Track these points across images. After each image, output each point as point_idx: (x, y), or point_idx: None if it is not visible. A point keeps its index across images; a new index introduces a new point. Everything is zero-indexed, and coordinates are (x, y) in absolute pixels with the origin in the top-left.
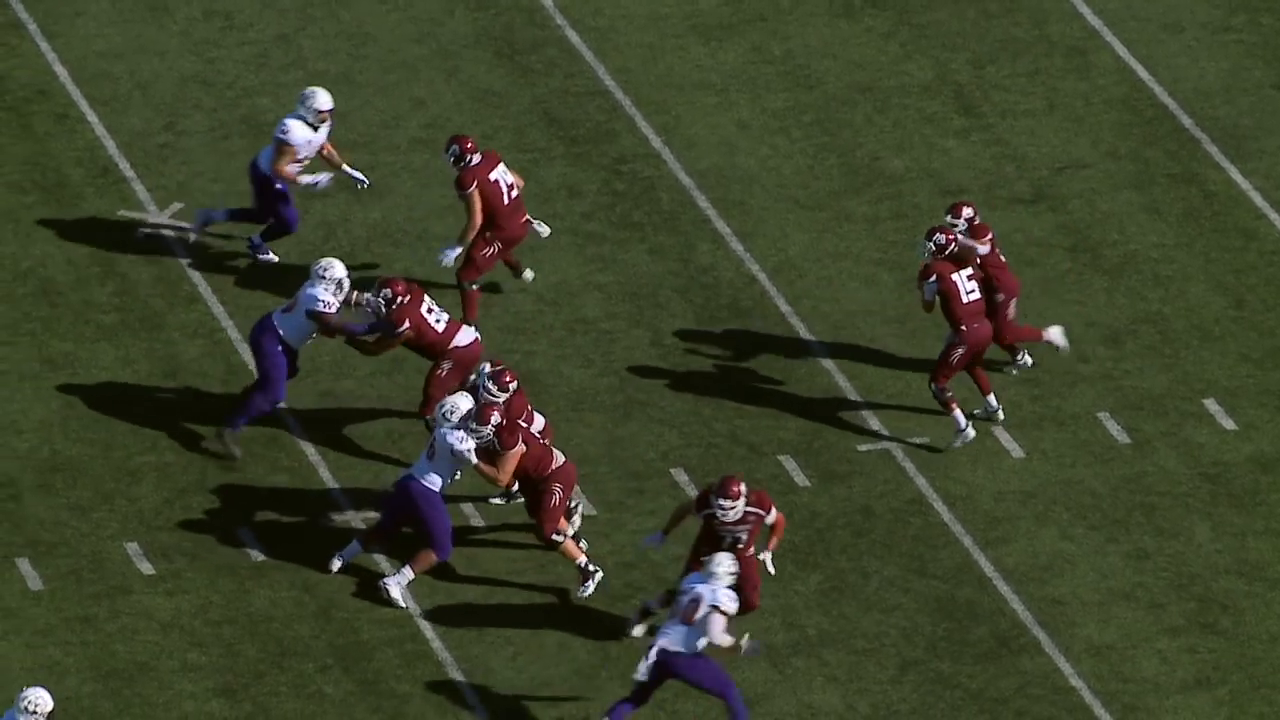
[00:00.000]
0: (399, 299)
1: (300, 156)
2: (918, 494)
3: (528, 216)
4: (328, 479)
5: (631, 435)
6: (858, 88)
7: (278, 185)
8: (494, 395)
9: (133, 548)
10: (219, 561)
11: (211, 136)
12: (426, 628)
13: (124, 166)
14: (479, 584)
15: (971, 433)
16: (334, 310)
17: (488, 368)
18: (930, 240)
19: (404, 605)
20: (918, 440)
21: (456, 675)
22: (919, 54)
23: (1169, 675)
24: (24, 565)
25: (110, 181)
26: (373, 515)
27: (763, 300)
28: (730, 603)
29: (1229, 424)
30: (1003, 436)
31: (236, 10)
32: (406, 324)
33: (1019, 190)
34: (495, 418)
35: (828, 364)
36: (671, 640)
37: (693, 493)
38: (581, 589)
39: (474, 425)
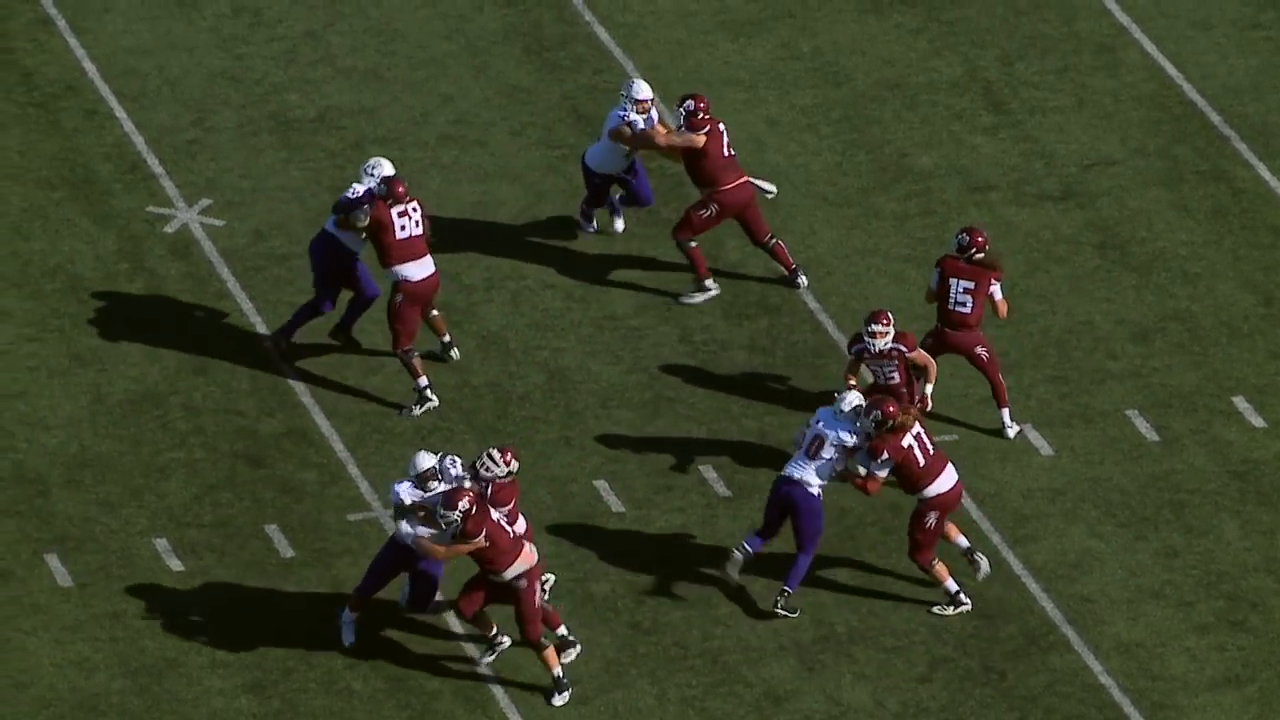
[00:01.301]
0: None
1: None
2: None
3: (747, 178)
4: (356, 475)
5: (660, 432)
6: (886, 84)
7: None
8: (493, 467)
9: (161, 544)
10: (247, 558)
11: (240, 133)
12: (455, 624)
13: (152, 162)
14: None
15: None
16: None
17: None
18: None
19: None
20: (947, 438)
21: (485, 672)
22: (948, 50)
23: (1198, 673)
24: (53, 561)
25: (139, 178)
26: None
27: (791, 297)
28: (851, 437)
29: (1258, 421)
30: (1031, 434)
31: (265, 6)
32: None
33: (1048, 187)
34: (464, 504)
35: None
36: (797, 469)
37: (721, 491)
38: (553, 697)
39: (442, 510)
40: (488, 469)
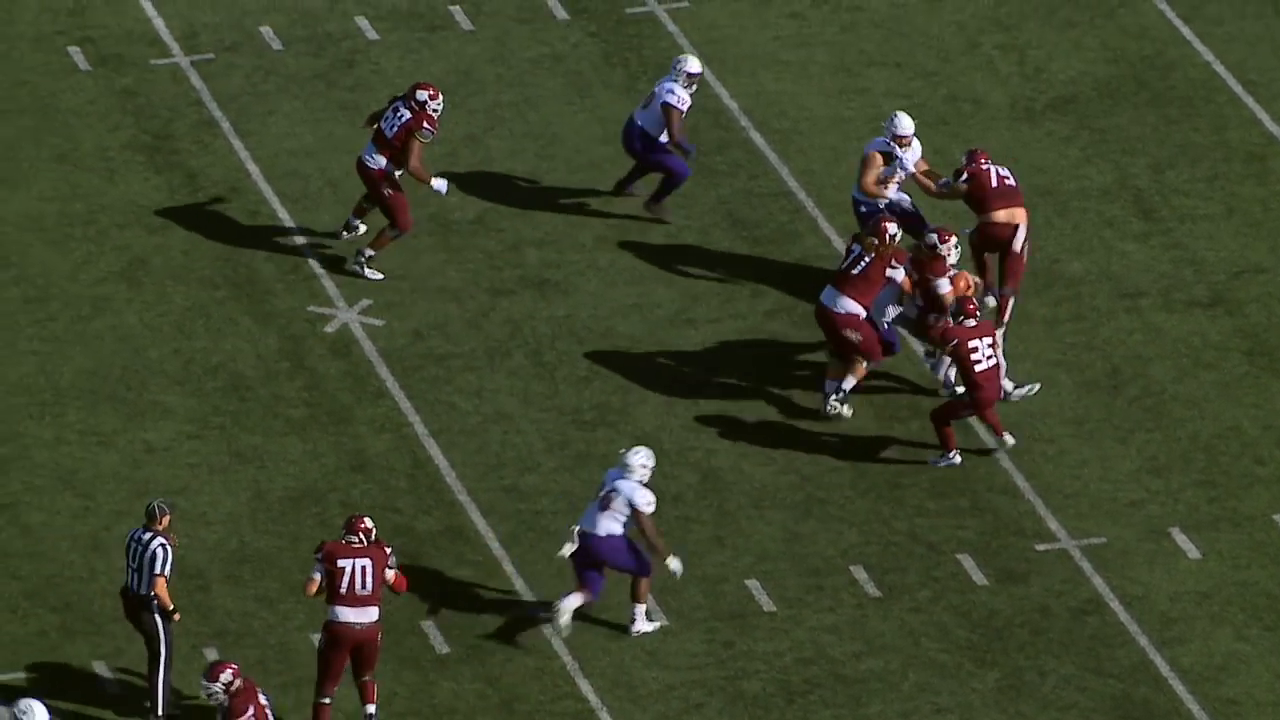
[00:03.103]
0: None
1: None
2: (1095, 594)
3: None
4: (512, 573)
5: (811, 533)
6: (1038, 191)
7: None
8: (350, 538)
9: (319, 639)
10: (403, 653)
11: (401, 236)
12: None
13: (314, 263)
14: (660, 674)
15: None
16: None
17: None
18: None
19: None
20: (1095, 540)
21: None
22: (1099, 158)
23: None
24: (211, 655)
25: (300, 278)
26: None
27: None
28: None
29: None
30: (1179, 537)
31: None
32: None
33: (1197, 294)
34: (227, 675)
35: (1006, 464)
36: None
37: (872, 591)
38: None
39: (204, 680)
40: (214, 696)
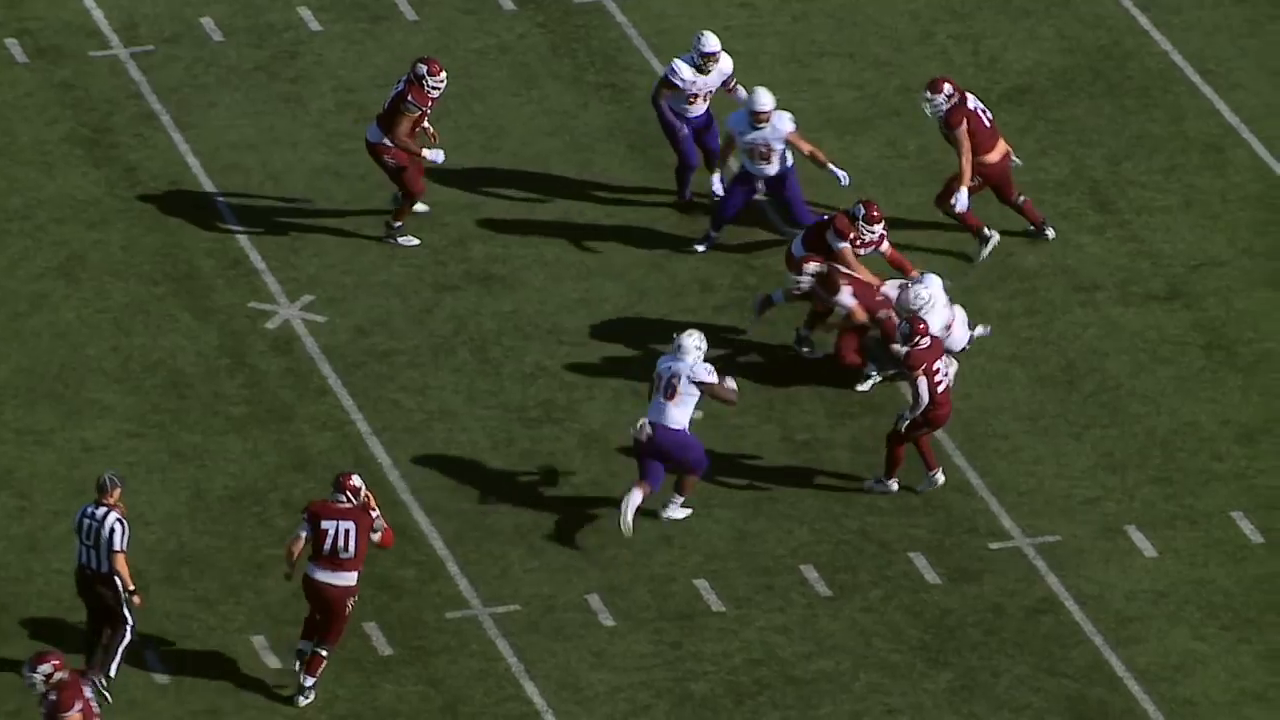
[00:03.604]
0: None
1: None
2: (1049, 592)
3: (1008, 149)
4: (456, 573)
5: (760, 531)
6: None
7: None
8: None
9: (259, 641)
10: (345, 655)
11: (343, 228)
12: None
13: (255, 258)
14: (606, 676)
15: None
16: None
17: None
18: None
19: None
20: (1050, 539)
21: None
22: (1054, 150)
23: None
24: (150, 658)
25: (241, 273)
26: (499, 610)
27: (895, 395)
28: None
29: None
30: (1135, 535)
31: (369, 103)
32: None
33: (1154, 287)
34: (47, 667)
35: (960, 461)
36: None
37: (822, 590)
38: None
39: (24, 669)
40: (34, 686)
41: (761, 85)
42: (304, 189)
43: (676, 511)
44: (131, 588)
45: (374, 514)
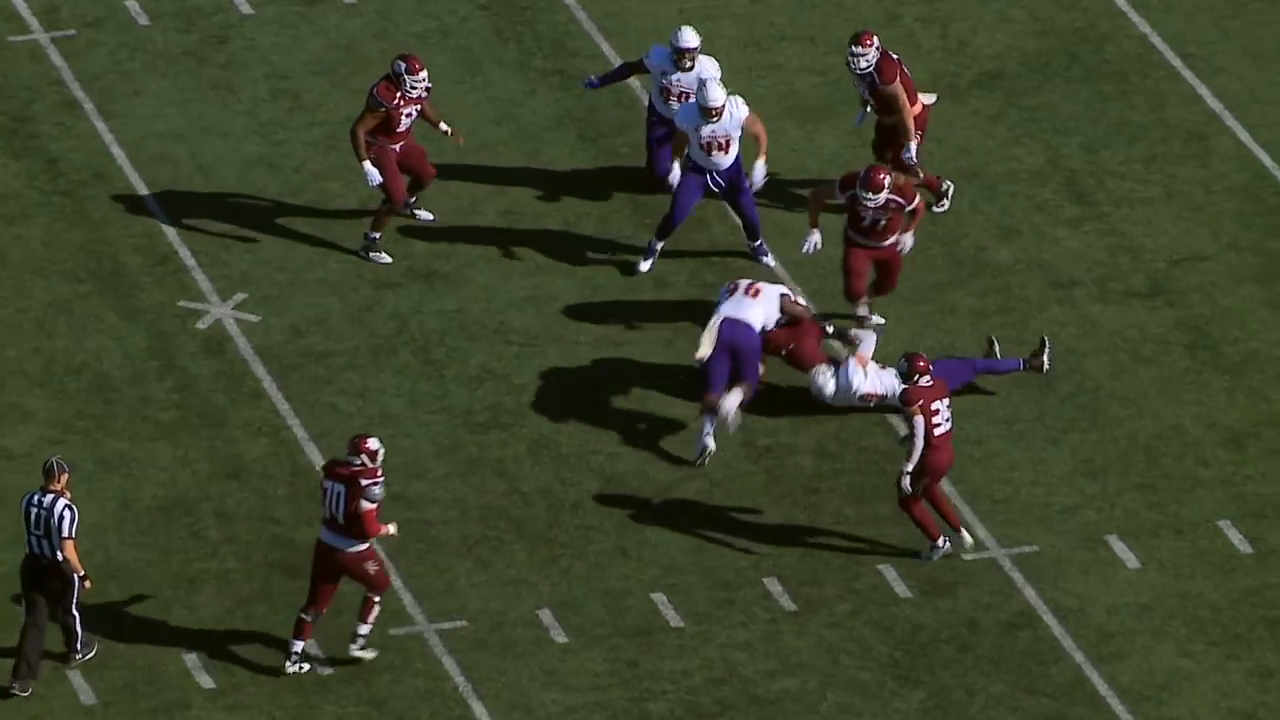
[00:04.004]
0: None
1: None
2: (1026, 606)
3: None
4: (399, 586)
5: (722, 543)
6: (963, 173)
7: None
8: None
9: (192, 660)
10: (281, 675)
11: (277, 222)
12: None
13: (184, 255)
14: (559, 695)
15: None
16: None
17: None
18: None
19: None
20: (1026, 549)
21: None
22: (1028, 138)
23: None
24: (76, 678)
25: (170, 270)
26: (445, 626)
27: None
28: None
29: None
30: (1117, 546)
31: (305, 90)
32: None
33: (1135, 283)
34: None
35: None
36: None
37: (786, 605)
38: None
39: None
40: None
41: (716, 67)
42: (236, 181)
43: (717, 425)
44: (81, 573)
45: (366, 482)
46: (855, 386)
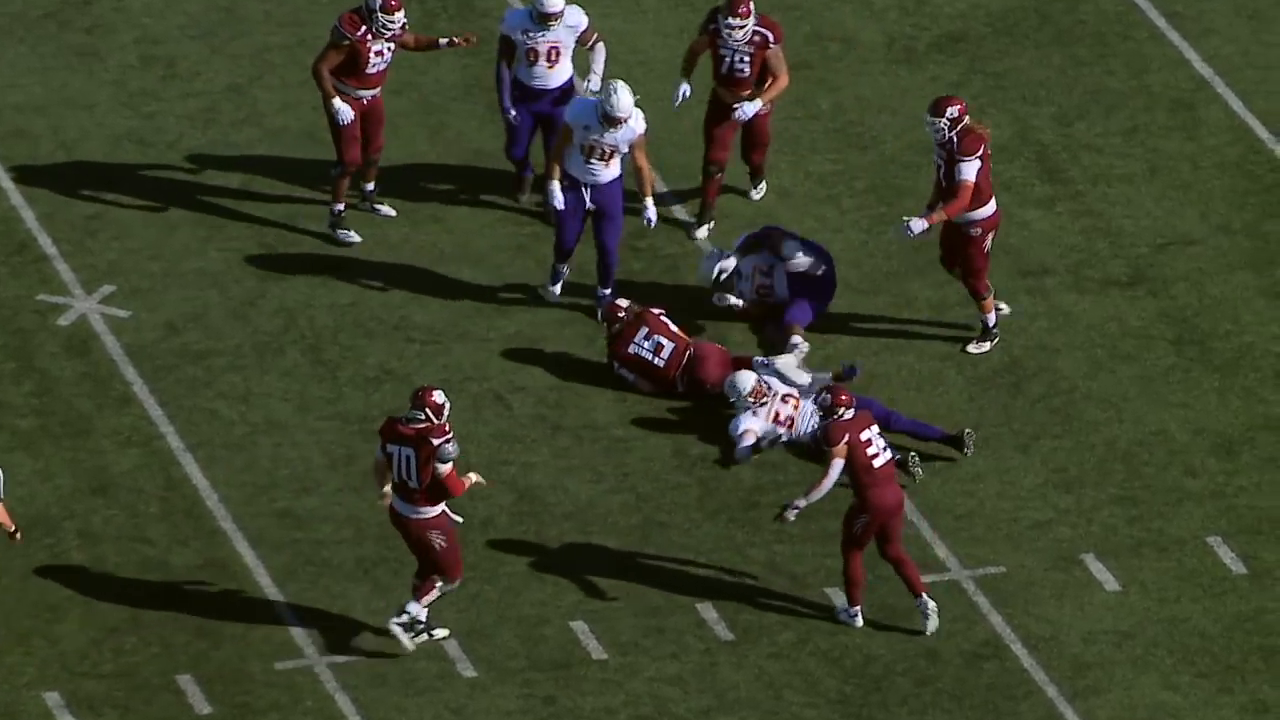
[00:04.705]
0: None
1: (577, 142)
2: (992, 634)
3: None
4: (287, 614)
5: (650, 564)
6: (921, 148)
7: None
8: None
9: (53, 698)
10: (156, 714)
11: (149, 205)
12: None
13: (44, 242)
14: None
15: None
16: None
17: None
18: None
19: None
20: (992, 570)
21: None
22: (994, 108)
23: None
24: None
25: (28, 260)
26: (339, 660)
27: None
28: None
29: None
30: (1094, 566)
31: (180, 56)
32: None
33: (1114, 271)
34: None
35: None
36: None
37: (723, 634)
38: None
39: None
40: None
41: (645, 36)
42: (102, 159)
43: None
44: (11, 527)
45: (436, 441)
46: (742, 427)
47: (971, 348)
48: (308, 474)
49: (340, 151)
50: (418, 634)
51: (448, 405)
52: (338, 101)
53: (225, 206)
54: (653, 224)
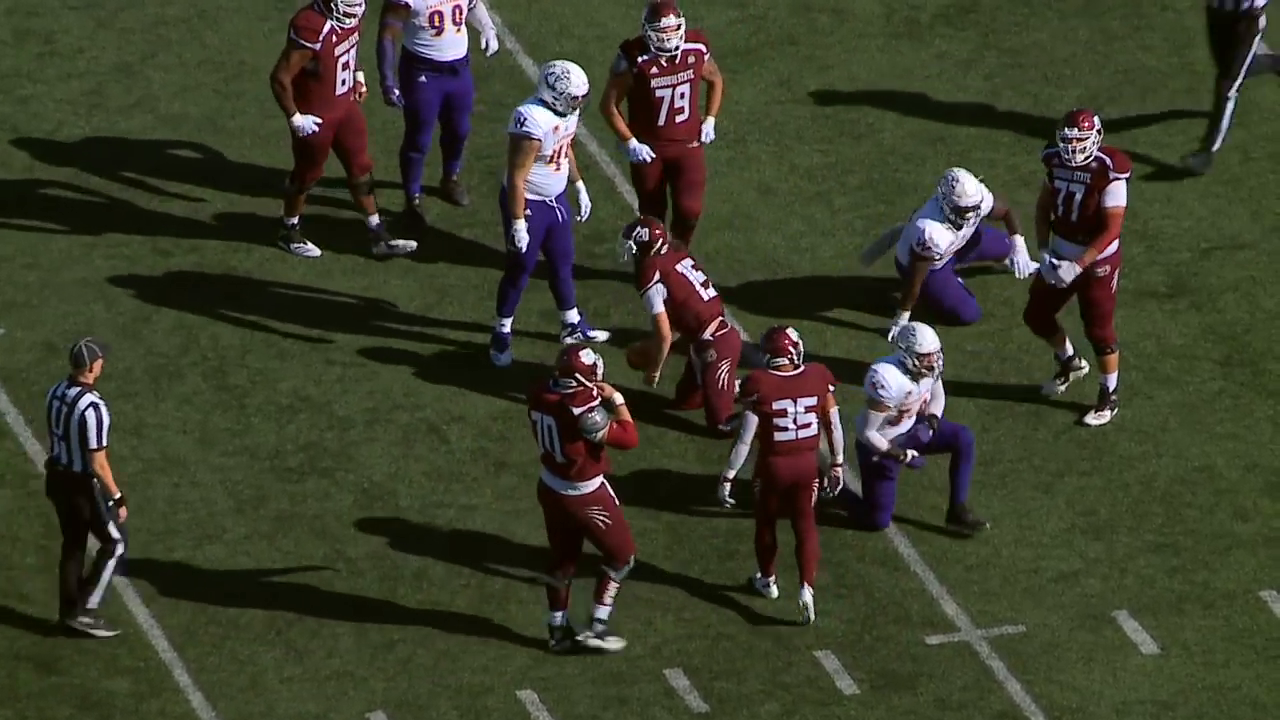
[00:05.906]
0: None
1: (545, 152)
2: (1010, 705)
3: None
4: (186, 683)
5: (610, 622)
6: (926, 138)
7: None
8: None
9: None
10: None
11: (24, 206)
12: None
13: None
14: None
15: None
16: None
17: None
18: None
19: None
20: (1010, 630)
21: None
22: (1010, 89)
23: None
24: None
25: None
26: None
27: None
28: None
29: None
30: (1128, 625)
31: (60, 31)
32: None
33: (1150, 280)
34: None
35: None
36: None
37: (695, 704)
38: None
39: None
40: None
41: (605, 7)
42: None
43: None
44: (117, 495)
45: (578, 411)
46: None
47: (1090, 419)
48: (210, 518)
49: (300, 170)
50: (561, 640)
51: (600, 364)
52: (298, 119)
53: (113, 206)
54: (585, 215)
